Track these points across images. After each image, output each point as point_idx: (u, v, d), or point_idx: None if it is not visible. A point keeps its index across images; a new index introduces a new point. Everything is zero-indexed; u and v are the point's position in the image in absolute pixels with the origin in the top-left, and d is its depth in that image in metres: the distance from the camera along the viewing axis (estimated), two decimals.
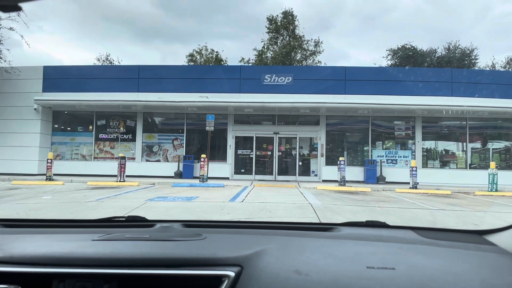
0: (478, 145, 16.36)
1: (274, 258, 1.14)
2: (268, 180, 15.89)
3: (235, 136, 16.72)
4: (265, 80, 16.15)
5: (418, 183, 13.44)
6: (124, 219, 1.79)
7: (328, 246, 1.31)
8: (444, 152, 16.55)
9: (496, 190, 12.66)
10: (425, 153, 16.38)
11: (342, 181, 13.94)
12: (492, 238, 1.43)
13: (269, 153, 16.68)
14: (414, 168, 13.38)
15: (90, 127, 17.09)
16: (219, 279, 1.05)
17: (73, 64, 36.84)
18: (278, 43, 32.77)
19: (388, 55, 32.76)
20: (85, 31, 61.75)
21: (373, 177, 15.31)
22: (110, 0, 57.30)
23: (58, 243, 1.32)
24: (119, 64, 33.12)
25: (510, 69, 29.13)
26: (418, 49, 31.82)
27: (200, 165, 14.28)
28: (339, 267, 1.10)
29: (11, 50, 21.81)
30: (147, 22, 58.07)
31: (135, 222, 1.76)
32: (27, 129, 16.23)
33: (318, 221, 6.29)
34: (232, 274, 1.05)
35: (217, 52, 34.76)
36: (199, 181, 14.09)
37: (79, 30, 62.27)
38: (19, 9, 0.80)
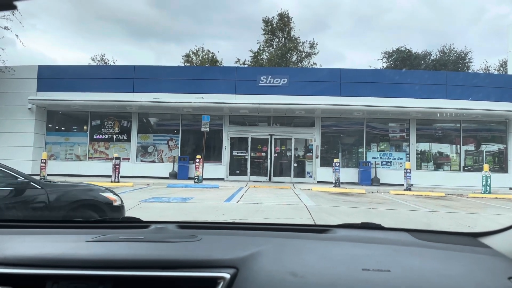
0: (471, 147, 16.48)
1: (270, 260, 1.14)
2: (263, 181, 15.87)
3: (231, 137, 16.70)
4: (260, 82, 16.15)
5: (412, 185, 13.50)
6: (118, 220, 1.78)
7: (324, 248, 1.31)
8: (438, 154, 16.65)
9: (490, 193, 12.75)
10: (419, 155, 16.47)
11: (337, 183, 13.97)
12: (486, 240, 1.43)
13: (264, 154, 16.68)
14: (408, 170, 13.45)
15: (85, 127, 16.99)
16: (215, 281, 1.04)
17: (67, 63, 36.63)
18: (274, 45, 32.85)
19: (383, 57, 32.99)
20: (78, 30, 61.33)
21: (368, 179, 15.36)
22: None
23: (52, 244, 1.30)
24: (114, 64, 32.99)
25: (504, 72, 29.35)
26: (413, 52, 32.05)
27: (195, 166, 14.25)
28: (334, 269, 1.10)
29: (4, 49, 21.59)
30: (141, 22, 57.77)
31: (130, 223, 1.74)
32: (21, 129, 16.09)
33: (313, 223, 6.30)
34: (227, 276, 1.04)
35: (213, 53, 34.77)
36: (194, 182, 14.04)
37: (72, 29, 61.80)
38: (14, 7, 0.78)
